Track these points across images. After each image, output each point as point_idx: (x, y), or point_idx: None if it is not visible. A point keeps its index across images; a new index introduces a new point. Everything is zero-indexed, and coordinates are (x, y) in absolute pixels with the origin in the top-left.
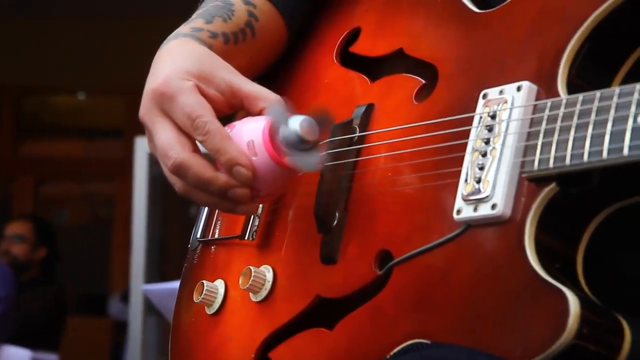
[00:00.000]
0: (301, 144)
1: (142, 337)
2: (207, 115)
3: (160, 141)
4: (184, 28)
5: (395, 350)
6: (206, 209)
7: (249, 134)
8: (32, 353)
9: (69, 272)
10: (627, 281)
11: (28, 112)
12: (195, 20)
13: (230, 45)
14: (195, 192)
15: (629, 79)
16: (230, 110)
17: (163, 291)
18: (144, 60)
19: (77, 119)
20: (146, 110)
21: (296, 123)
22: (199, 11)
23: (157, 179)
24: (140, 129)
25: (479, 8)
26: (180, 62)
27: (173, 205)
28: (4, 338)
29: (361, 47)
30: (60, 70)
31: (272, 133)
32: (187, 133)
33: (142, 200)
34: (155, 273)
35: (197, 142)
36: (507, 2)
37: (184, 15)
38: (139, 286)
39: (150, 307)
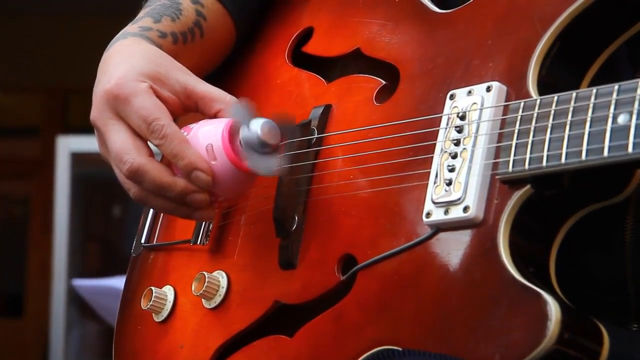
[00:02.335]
0: (262, 148)
1: (64, 339)
2: (163, 119)
3: (115, 145)
4: (131, 27)
5: (363, 357)
6: (150, 214)
7: (207, 137)
8: None
9: None
10: (597, 284)
11: None
12: (143, 19)
13: (179, 45)
14: (152, 198)
15: (598, 78)
16: (184, 112)
17: (94, 287)
18: (61, 58)
19: None
20: (98, 113)
21: (257, 126)
22: (146, 10)
23: (78, 178)
24: (57, 128)
25: (439, 8)
26: (133, 62)
27: (95, 205)
28: None
29: (315, 47)
30: None
31: (232, 136)
32: (143, 137)
33: (64, 200)
34: (77, 273)
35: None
36: (470, 1)
37: (102, 13)
38: (62, 286)
39: (74, 307)
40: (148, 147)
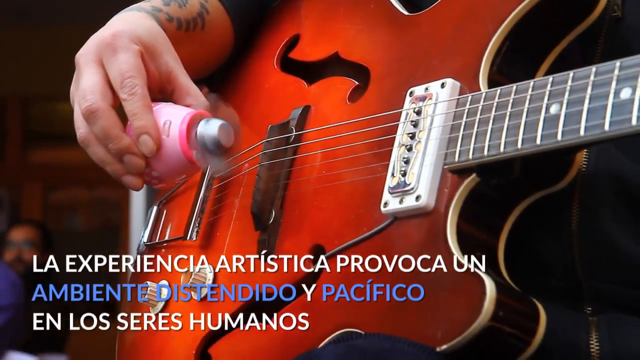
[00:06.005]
0: (213, 146)
1: None
2: (139, 79)
3: (86, 84)
4: (145, 4)
5: (327, 339)
6: (153, 214)
7: (169, 115)
8: (39, 358)
9: (82, 277)
10: (549, 271)
11: (36, 119)
12: (155, 0)
13: (182, 31)
14: (95, 145)
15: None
16: (160, 94)
17: None
18: None
19: None
20: (85, 52)
21: (216, 124)
22: None
23: None
24: None
25: (410, 12)
26: (136, 27)
27: None
28: (11, 345)
29: (299, 53)
30: (68, 77)
31: (191, 125)
32: (114, 89)
33: (139, 203)
34: None
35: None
36: (434, 4)
37: None
38: None
39: None
40: (115, 99)
